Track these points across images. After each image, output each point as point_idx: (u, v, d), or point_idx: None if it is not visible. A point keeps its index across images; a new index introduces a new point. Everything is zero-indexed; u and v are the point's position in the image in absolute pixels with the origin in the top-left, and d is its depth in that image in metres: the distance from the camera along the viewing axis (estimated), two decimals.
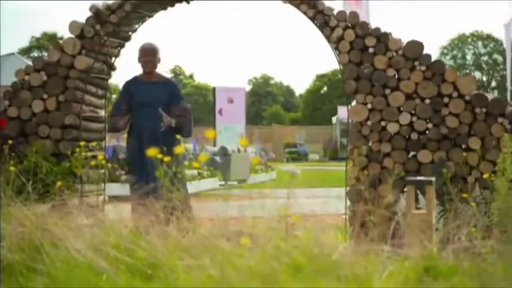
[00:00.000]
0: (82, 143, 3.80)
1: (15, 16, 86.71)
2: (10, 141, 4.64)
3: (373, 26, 5.64)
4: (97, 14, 5.95)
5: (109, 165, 8.99)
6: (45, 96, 5.93)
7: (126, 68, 5.67)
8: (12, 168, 3.36)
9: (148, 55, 5.82)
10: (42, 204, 2.76)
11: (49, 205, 2.77)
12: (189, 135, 6.07)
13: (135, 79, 5.98)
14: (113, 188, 9.55)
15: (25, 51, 49.35)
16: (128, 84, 5.98)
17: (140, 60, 5.86)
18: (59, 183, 3.21)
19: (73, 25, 6.01)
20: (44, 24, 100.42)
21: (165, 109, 5.72)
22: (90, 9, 5.96)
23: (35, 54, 49.59)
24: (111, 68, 6.47)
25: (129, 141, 5.94)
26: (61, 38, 36.67)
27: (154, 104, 5.70)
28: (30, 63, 11.24)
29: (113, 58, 6.45)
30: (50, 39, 48.57)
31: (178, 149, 3.81)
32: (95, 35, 5.97)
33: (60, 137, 5.88)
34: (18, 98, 5.93)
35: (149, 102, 5.75)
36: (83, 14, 6.00)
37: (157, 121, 5.66)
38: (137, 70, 5.95)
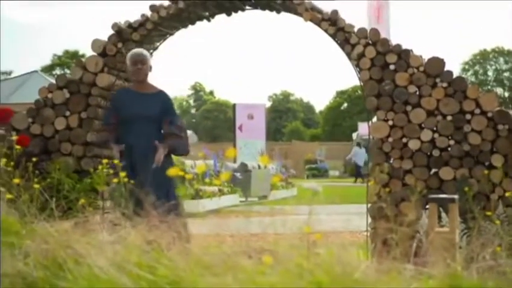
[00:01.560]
0: (105, 161, 3.79)
1: (37, 34, 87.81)
2: (34, 159, 4.68)
3: (394, 42, 5.64)
4: (119, 32, 6.01)
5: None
6: (67, 113, 5.98)
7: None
8: (36, 186, 3.39)
9: (138, 63, 5.27)
10: (65, 221, 2.78)
11: (72, 222, 2.79)
12: (185, 153, 5.58)
13: (125, 90, 5.60)
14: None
15: (47, 69, 49.91)
16: (117, 95, 5.56)
17: (129, 69, 5.35)
18: (82, 200, 3.23)
19: (95, 43, 6.07)
20: (66, 42, 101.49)
21: (156, 123, 5.26)
22: (112, 27, 6.02)
23: (57, 71, 50.12)
24: None
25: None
26: (83, 56, 37.09)
27: (146, 119, 5.23)
28: (52, 80, 11.35)
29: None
30: (71, 57, 49.14)
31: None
32: (117, 52, 6.03)
33: (82, 154, 5.92)
34: (41, 115, 5.99)
35: (140, 116, 5.23)
36: (105, 32, 6.05)
37: (149, 138, 5.13)
38: (158, 86, 5.84)
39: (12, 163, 4.48)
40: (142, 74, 5.31)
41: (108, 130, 5.41)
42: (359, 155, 28.59)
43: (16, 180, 3.60)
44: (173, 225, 2.83)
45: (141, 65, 5.28)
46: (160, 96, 5.38)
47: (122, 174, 3.38)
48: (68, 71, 40.51)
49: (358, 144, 29.59)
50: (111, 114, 5.40)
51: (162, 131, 5.28)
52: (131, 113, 5.25)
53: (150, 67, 5.38)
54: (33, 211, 2.95)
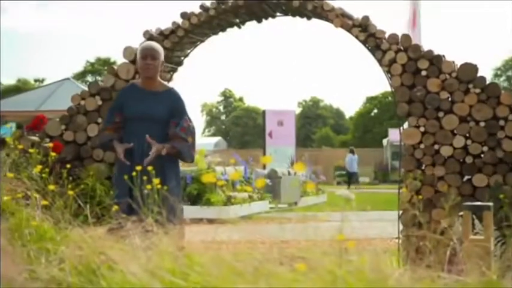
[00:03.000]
0: (138, 168, 3.71)
1: (69, 41, 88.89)
2: (68, 165, 4.74)
3: (425, 48, 5.60)
4: (150, 40, 6.05)
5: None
6: (99, 120, 6.04)
7: (178, 92, 5.19)
8: (70, 192, 3.43)
9: (147, 57, 4.81)
10: (99, 228, 2.80)
11: (105, 228, 2.81)
12: (190, 160, 4.93)
13: (132, 86, 5.02)
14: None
15: (79, 76, 50.51)
16: (123, 92, 5.05)
17: (138, 63, 4.90)
18: (115, 207, 3.26)
19: (127, 50, 6.13)
20: (98, 49, 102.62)
21: (163, 124, 4.79)
22: (144, 34, 6.08)
23: (89, 78, 50.71)
24: None
25: (119, 160, 4.83)
26: (114, 63, 37.48)
27: (151, 119, 4.77)
28: (84, 87, 11.47)
29: (166, 83, 6.54)
30: (103, 64, 49.68)
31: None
32: None
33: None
34: (73, 122, 6.05)
35: (145, 116, 4.78)
36: (136, 40, 6.10)
37: (154, 139, 4.68)
38: (190, 95, 5.76)
39: (47, 170, 4.54)
40: (151, 70, 4.82)
41: (112, 129, 4.90)
42: (352, 162, 28.77)
43: (51, 187, 3.64)
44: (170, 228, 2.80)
45: (151, 60, 4.81)
46: (170, 95, 4.89)
47: (156, 181, 3.35)
48: (99, 78, 40.99)
49: (351, 151, 29.73)
50: (115, 112, 4.93)
51: (168, 132, 4.81)
52: (136, 112, 4.81)
53: (162, 63, 4.94)
54: (68, 217, 2.99)
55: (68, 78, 22.68)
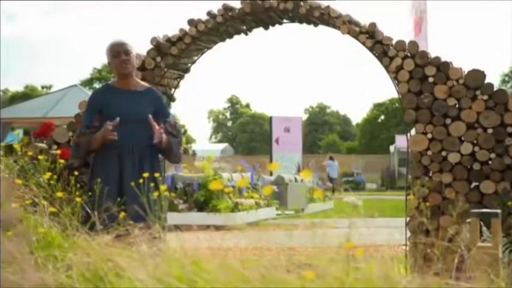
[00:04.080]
0: (145, 175, 3.65)
1: (76, 48, 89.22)
2: (76, 172, 4.76)
3: (433, 55, 5.59)
4: (158, 46, 6.07)
5: (172, 194, 9.10)
6: None
7: (185, 99, 5.11)
8: (78, 199, 3.43)
9: (120, 53, 4.49)
10: (106, 235, 2.81)
11: (113, 235, 2.82)
12: (178, 160, 4.75)
13: (108, 87, 4.70)
14: (174, 218, 9.64)
15: (86, 83, 50.66)
16: (99, 94, 4.70)
17: (112, 63, 4.57)
18: (122, 214, 3.27)
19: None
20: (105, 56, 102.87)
21: (147, 125, 4.41)
22: (151, 41, 6.09)
23: (96, 85, 50.84)
24: (171, 99, 6.57)
25: (98, 165, 4.51)
26: None
27: (136, 120, 4.44)
28: None
29: (173, 89, 6.56)
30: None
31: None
32: (155, 66, 6.09)
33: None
34: None
35: (129, 118, 4.42)
36: (143, 47, 6.11)
37: (141, 141, 4.41)
38: (197, 101, 5.60)
39: (55, 177, 4.55)
40: (129, 66, 4.50)
41: (91, 134, 4.50)
42: (331, 168, 28.85)
43: (59, 194, 3.65)
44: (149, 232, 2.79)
45: (125, 56, 4.49)
46: (151, 94, 4.62)
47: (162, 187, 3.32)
48: None
49: (331, 158, 29.82)
50: (92, 115, 4.55)
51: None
52: (119, 113, 4.42)
53: (137, 56, 4.67)
54: (75, 224, 3.00)
55: (75, 85, 22.79)
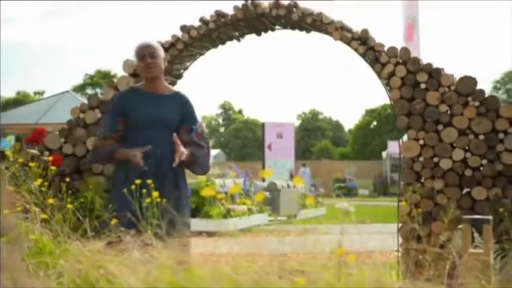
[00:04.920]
0: (138, 181, 3.57)
1: (69, 54, 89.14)
2: (68, 179, 4.74)
3: (424, 61, 5.61)
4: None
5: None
6: None
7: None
8: (69, 206, 3.42)
9: (146, 56, 4.26)
10: (98, 241, 2.80)
11: (105, 242, 2.81)
12: (205, 171, 4.47)
13: (133, 89, 4.42)
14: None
15: (79, 89, 50.60)
16: (123, 96, 4.41)
17: (138, 66, 4.36)
18: (114, 220, 3.26)
19: (126, 63, 6.14)
20: (98, 62, 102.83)
21: (174, 131, 4.23)
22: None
23: (89, 91, 50.76)
24: None
25: (120, 172, 4.27)
26: (114, 76, 37.55)
27: (163, 125, 4.24)
28: (84, 100, 11.47)
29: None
30: (103, 77, 49.76)
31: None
32: None
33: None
34: (73, 135, 6.05)
35: (156, 122, 4.22)
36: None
37: (166, 148, 4.16)
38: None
39: (46, 183, 4.53)
40: (154, 69, 4.25)
41: (115, 139, 4.27)
42: (304, 176, 28.91)
43: (50, 200, 3.64)
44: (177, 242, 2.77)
45: (151, 59, 4.25)
46: (179, 99, 4.38)
47: (155, 194, 3.27)
48: (99, 91, 41.05)
49: (303, 165, 29.83)
50: (116, 119, 4.29)
51: (180, 140, 4.25)
52: (145, 117, 4.22)
53: (165, 59, 4.38)
54: (67, 231, 2.99)
55: (67, 91, 22.73)
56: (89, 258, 2.60)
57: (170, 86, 4.50)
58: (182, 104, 4.35)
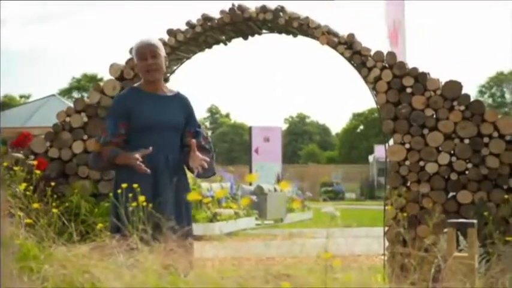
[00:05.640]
0: (124, 185, 3.46)
1: (55, 57, 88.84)
2: (53, 183, 4.71)
3: (410, 66, 5.64)
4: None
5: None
6: (85, 137, 6.02)
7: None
8: (54, 210, 3.40)
9: (147, 57, 3.98)
10: (83, 246, 2.79)
11: (90, 246, 2.79)
12: (211, 175, 4.20)
13: (135, 90, 4.10)
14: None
15: (65, 92, 50.38)
16: (126, 98, 4.08)
17: (137, 66, 4.08)
18: (100, 225, 3.23)
19: (113, 67, 6.12)
20: (84, 65, 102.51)
21: (180, 134, 4.05)
22: (130, 51, 6.07)
23: (75, 95, 50.55)
24: None
25: (122, 180, 3.84)
26: (101, 79, 37.44)
27: (169, 128, 4.00)
28: (70, 104, 11.43)
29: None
30: (90, 81, 49.59)
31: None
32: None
33: (99, 178, 5.94)
34: (59, 139, 6.03)
35: (162, 125, 3.98)
36: (123, 56, 6.09)
37: (172, 152, 3.97)
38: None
39: (31, 187, 4.51)
40: (155, 72, 4.00)
41: (116, 144, 4.00)
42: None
43: (35, 205, 3.61)
44: (184, 249, 2.75)
45: (152, 59, 3.97)
46: (181, 100, 4.13)
47: (142, 198, 3.19)
48: (86, 95, 40.91)
49: None
50: (118, 123, 4.00)
51: (185, 144, 4.05)
52: (150, 120, 3.97)
53: (166, 58, 4.10)
54: (51, 235, 2.97)
55: (53, 95, 22.60)
56: (73, 263, 2.59)
57: (169, 87, 4.24)
58: (185, 106, 4.13)
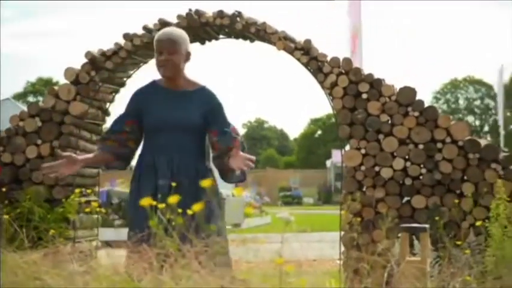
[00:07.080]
0: (78, 190, 3.39)
1: (10, 61, 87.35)
2: (4, 189, 4.63)
3: (366, 72, 5.70)
4: (92, 61, 6.00)
5: (103, 210, 8.99)
6: (39, 141, 5.93)
7: (120, 113, 4.53)
8: (5, 216, 3.34)
9: (163, 52, 3.61)
10: (35, 252, 2.74)
11: (42, 253, 2.75)
12: (242, 180, 3.73)
13: (153, 85, 3.76)
14: (107, 234, 9.49)
15: (20, 96, 49.58)
16: (142, 93, 3.76)
17: (156, 60, 3.68)
18: (52, 231, 3.19)
19: (68, 71, 6.05)
20: (39, 69, 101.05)
21: (197, 134, 3.66)
22: (86, 55, 6.01)
23: (30, 99, 49.81)
24: (106, 113, 6.49)
25: (136, 181, 3.65)
26: (56, 84, 36.95)
27: (182, 128, 3.63)
28: (25, 108, 11.26)
29: (108, 104, 6.49)
30: (45, 85, 48.90)
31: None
32: (89, 81, 6.01)
33: (53, 183, 5.86)
34: (12, 143, 5.93)
35: (173, 125, 3.62)
36: (78, 60, 6.03)
37: (179, 153, 3.59)
38: None
39: None
40: (169, 69, 3.63)
41: (117, 141, 3.71)
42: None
43: None
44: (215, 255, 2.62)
45: (169, 55, 3.61)
46: (203, 96, 3.71)
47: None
48: (41, 99, 40.31)
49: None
50: (128, 119, 3.71)
51: (212, 146, 3.67)
52: (161, 120, 3.64)
53: (188, 54, 3.69)
54: (2, 242, 2.92)
55: (8, 99, 22.25)
56: (25, 270, 2.54)
57: (193, 80, 3.77)
58: (205, 102, 3.69)
